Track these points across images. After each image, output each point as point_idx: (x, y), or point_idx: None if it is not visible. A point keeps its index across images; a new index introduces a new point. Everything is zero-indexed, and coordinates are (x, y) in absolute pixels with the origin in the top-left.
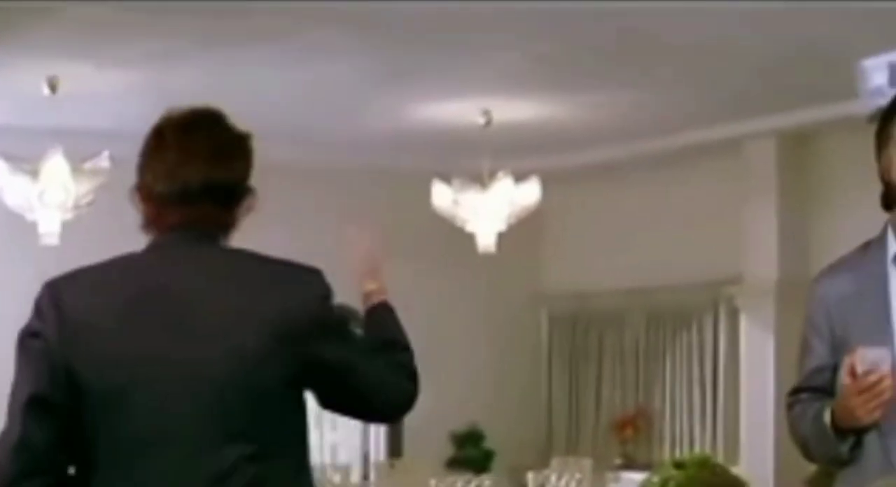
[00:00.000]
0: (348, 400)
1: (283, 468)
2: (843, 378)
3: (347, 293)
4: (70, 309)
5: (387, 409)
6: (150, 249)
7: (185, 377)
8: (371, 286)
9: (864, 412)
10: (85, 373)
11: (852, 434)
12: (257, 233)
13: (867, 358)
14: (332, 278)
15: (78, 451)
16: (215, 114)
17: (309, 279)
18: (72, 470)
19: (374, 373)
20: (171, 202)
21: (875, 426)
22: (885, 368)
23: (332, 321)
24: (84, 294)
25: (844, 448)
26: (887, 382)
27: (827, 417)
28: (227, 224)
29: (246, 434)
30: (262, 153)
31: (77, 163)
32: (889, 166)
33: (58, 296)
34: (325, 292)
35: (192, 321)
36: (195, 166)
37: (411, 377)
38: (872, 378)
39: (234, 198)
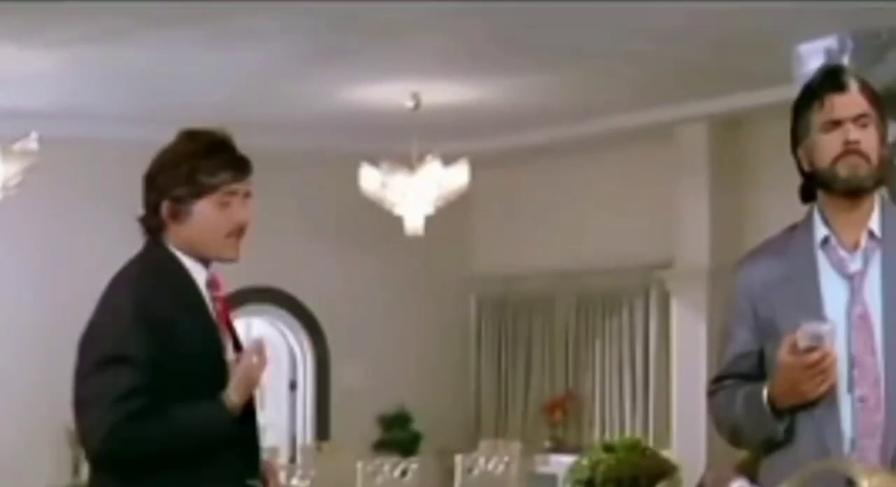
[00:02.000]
0: None
1: None
2: (782, 354)
3: (274, 272)
4: None
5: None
6: None
7: None
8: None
9: (811, 387)
10: None
11: (788, 414)
12: None
13: (808, 333)
14: (258, 257)
15: None
16: (179, 134)
17: (116, 291)
18: None
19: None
20: None
21: (808, 412)
22: (828, 344)
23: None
24: None
25: (781, 426)
26: (830, 359)
27: (764, 395)
28: (152, 227)
29: None
30: None
31: (6, 145)
32: (812, 153)
33: None
34: (119, 305)
35: None
36: None
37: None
38: (815, 355)
39: (150, 205)
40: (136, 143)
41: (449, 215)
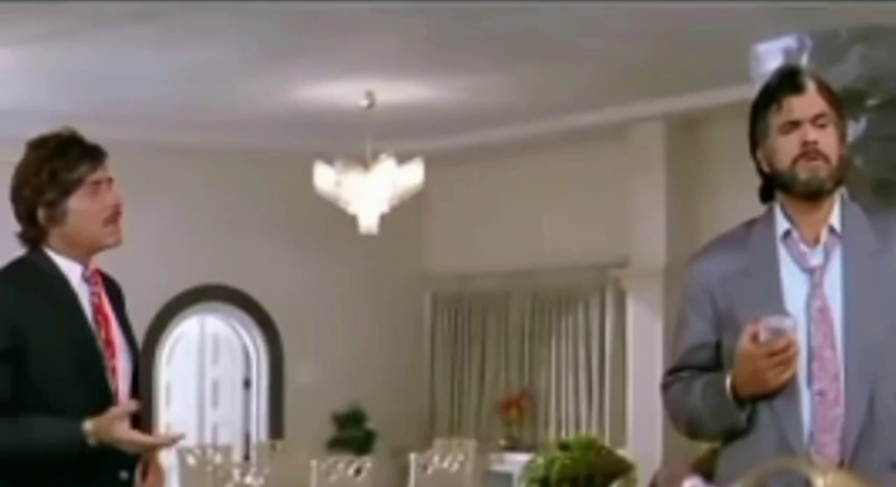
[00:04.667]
0: None
1: None
2: (743, 342)
3: (228, 270)
4: None
5: None
6: None
7: None
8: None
9: (773, 375)
10: None
11: (750, 403)
12: (140, 214)
13: (770, 327)
14: (212, 255)
15: None
16: (27, 146)
17: None
18: None
19: None
20: None
21: (768, 405)
22: (791, 336)
23: None
24: None
25: (743, 415)
26: (795, 348)
27: (727, 384)
28: (32, 238)
29: None
30: (146, 135)
31: None
32: (772, 155)
33: None
34: None
35: None
36: None
37: None
38: (781, 342)
39: (25, 217)
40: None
41: (403, 214)
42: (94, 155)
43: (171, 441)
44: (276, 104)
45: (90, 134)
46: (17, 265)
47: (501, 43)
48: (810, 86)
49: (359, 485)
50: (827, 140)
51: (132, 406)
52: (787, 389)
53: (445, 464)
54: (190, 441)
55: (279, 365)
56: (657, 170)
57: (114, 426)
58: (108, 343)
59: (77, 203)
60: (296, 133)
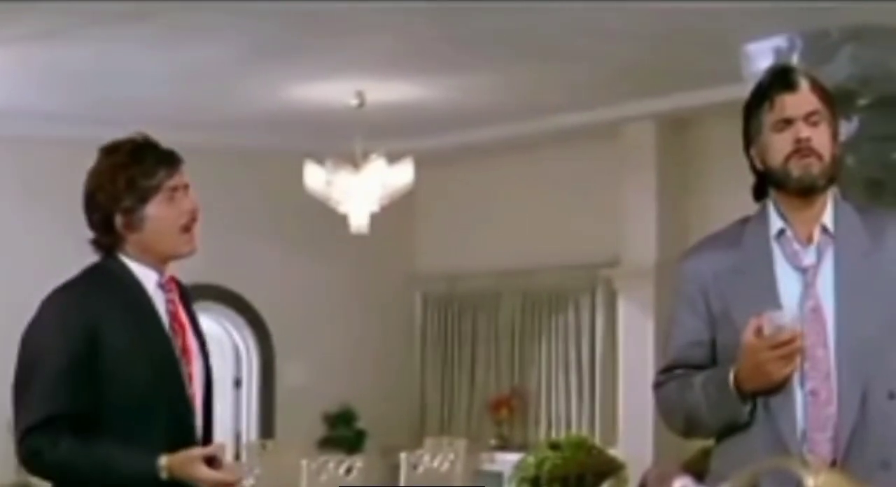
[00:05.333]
0: None
1: None
2: (747, 336)
3: (219, 270)
4: None
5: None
6: None
7: None
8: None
9: (776, 367)
10: None
11: (751, 398)
12: None
13: (773, 321)
14: (203, 254)
15: None
16: (100, 152)
17: (45, 302)
18: None
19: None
20: None
21: (764, 402)
22: (794, 329)
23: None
24: None
25: (745, 409)
26: (799, 342)
27: (731, 377)
28: (107, 245)
29: None
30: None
31: None
32: (765, 152)
33: None
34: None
35: None
36: None
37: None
38: (785, 335)
39: (99, 224)
40: (81, 143)
41: (394, 213)
42: (170, 160)
43: (243, 475)
44: (266, 104)
45: (83, 135)
46: (92, 271)
47: (492, 42)
48: (803, 84)
49: (349, 484)
50: (820, 137)
51: (215, 449)
52: (783, 386)
53: (436, 464)
54: None
55: (270, 364)
56: (648, 169)
57: (193, 466)
58: (185, 350)
59: (154, 209)
60: (286, 132)
